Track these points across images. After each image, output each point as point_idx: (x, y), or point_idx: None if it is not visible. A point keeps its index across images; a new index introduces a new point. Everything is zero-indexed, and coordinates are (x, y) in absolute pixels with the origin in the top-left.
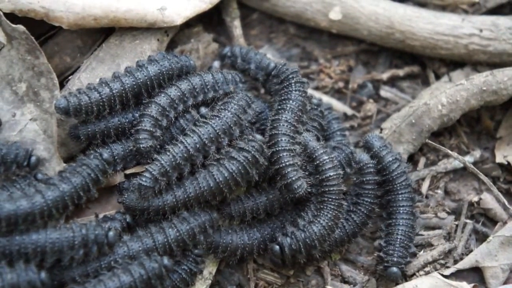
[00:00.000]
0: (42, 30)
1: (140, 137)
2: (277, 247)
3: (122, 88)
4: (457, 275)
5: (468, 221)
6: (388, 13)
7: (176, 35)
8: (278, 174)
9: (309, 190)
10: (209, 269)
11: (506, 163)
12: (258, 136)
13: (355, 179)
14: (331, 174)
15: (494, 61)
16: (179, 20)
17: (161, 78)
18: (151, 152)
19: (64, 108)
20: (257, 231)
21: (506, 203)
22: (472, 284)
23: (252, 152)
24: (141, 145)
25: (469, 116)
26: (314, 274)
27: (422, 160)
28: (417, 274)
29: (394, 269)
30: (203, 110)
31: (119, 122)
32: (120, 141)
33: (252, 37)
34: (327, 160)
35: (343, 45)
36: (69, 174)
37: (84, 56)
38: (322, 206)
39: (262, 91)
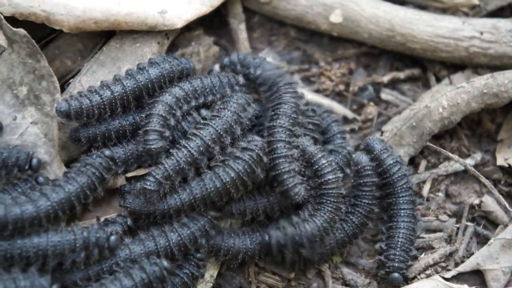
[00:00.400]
0: (43, 33)
1: (150, 138)
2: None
3: (123, 91)
4: (458, 278)
5: (469, 224)
6: (389, 16)
7: (177, 38)
8: (275, 181)
9: (308, 195)
10: (211, 272)
11: (507, 165)
12: (257, 138)
13: (353, 181)
14: (330, 177)
15: (495, 64)
16: (180, 23)
17: (162, 80)
18: (161, 154)
19: (65, 112)
20: (259, 235)
21: (507, 205)
22: (473, 287)
23: (256, 151)
24: (151, 146)
25: (470, 119)
26: (315, 277)
27: (423, 163)
28: (418, 277)
29: (396, 274)
30: (204, 112)
31: (120, 125)
32: (121, 144)
33: (253, 40)
34: (326, 164)
35: (344, 48)
36: (74, 174)
37: (85, 59)
38: (319, 207)
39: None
